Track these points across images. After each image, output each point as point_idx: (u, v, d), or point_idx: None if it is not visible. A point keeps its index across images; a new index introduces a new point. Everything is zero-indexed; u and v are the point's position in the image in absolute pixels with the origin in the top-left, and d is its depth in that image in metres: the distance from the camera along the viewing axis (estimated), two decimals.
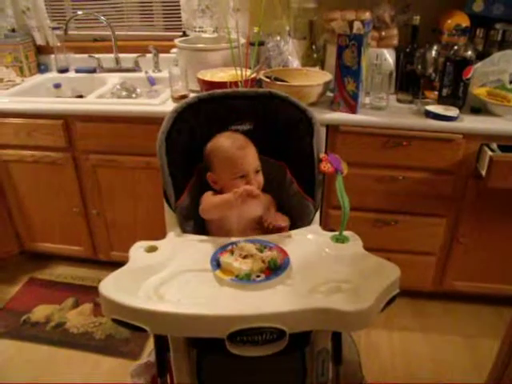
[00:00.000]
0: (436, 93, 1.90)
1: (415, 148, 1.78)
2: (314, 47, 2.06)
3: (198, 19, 2.13)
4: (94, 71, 2.31)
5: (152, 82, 2.20)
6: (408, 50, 1.84)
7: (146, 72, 2.23)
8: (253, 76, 1.83)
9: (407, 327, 2.03)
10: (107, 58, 2.34)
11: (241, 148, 1.23)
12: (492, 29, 1.91)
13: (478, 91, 1.82)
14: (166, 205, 1.29)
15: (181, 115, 1.28)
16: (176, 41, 2.01)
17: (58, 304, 2.13)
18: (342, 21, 1.77)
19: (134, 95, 2.11)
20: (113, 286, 0.99)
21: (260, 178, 1.25)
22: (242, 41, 2.02)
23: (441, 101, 1.82)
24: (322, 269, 1.09)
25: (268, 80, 1.80)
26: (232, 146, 1.23)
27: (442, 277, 2.06)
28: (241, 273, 1.04)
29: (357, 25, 1.62)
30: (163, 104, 1.89)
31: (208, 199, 1.24)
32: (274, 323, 0.92)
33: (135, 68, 2.30)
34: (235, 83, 1.75)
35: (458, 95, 1.78)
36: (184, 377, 1.19)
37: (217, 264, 1.08)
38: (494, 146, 1.73)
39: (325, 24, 1.97)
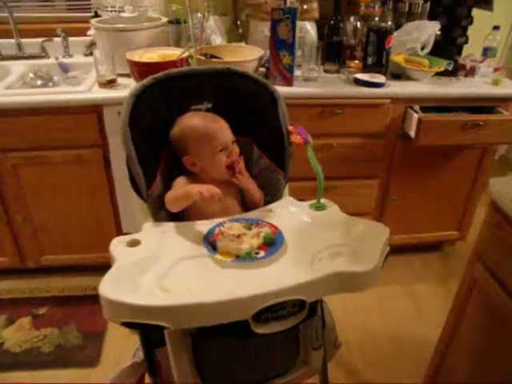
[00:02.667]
0: (357, 62, 2.02)
1: (348, 115, 1.87)
2: (238, 23, 2.04)
3: None
4: None
5: (65, 68, 2.01)
6: (332, 22, 1.92)
7: (57, 58, 2.02)
8: (185, 55, 1.76)
9: None
10: (6, 44, 2.08)
11: (213, 121, 1.21)
12: (400, 1, 2.05)
13: (397, 58, 1.96)
14: (135, 196, 1.22)
15: (139, 98, 1.20)
16: (93, 22, 1.85)
17: None
18: None
19: (50, 84, 1.92)
20: (115, 289, 0.92)
21: (236, 148, 1.24)
22: (164, 19, 1.94)
23: (366, 69, 1.93)
24: (313, 237, 1.11)
25: (203, 58, 1.75)
26: (204, 121, 1.20)
27: None
28: (241, 252, 1.03)
29: None
30: (90, 91, 1.74)
31: (170, 193, 1.18)
32: (297, 295, 0.93)
33: (42, 54, 2.08)
34: (184, 61, 1.68)
35: (381, 63, 1.90)
36: (185, 368, 1.15)
37: (213, 248, 1.05)
38: (417, 107, 1.89)
39: None
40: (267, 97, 1.29)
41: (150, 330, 1.05)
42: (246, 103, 1.30)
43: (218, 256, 1.03)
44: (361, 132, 1.93)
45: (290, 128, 1.27)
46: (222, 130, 1.20)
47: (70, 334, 1.85)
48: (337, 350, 1.53)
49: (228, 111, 1.29)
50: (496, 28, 2.01)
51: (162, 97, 1.24)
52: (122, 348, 1.76)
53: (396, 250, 2.28)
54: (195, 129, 1.19)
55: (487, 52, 2.05)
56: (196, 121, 1.21)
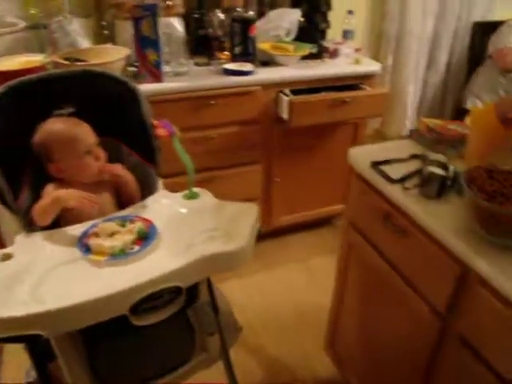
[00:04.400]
0: (226, 53, 2.07)
1: (222, 105, 1.93)
2: (104, 24, 2.00)
3: None
4: None
5: None
6: (197, 15, 1.95)
7: None
8: (46, 61, 1.70)
9: (254, 270, 2.23)
10: None
11: (75, 125, 1.19)
12: None
13: (263, 46, 2.05)
14: (2, 209, 1.17)
15: None
16: None
17: None
18: None
19: None
20: None
21: (101, 150, 1.23)
22: (22, 24, 1.85)
23: (235, 59, 1.99)
24: (188, 225, 1.15)
25: (67, 62, 1.70)
26: (66, 126, 1.18)
27: (268, 217, 2.31)
28: (115, 250, 1.03)
29: None
30: None
31: (36, 206, 1.13)
32: (171, 282, 0.96)
33: None
34: (41, 69, 1.62)
35: (248, 52, 1.98)
36: (80, 374, 1.13)
37: (86, 249, 1.05)
38: (287, 91, 1.99)
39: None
40: (128, 94, 1.29)
41: (30, 342, 1.02)
42: (108, 103, 1.29)
43: (91, 256, 1.02)
44: (236, 120, 2.00)
45: (154, 122, 1.28)
46: (85, 133, 1.19)
47: None
48: (238, 333, 1.58)
49: (92, 113, 1.27)
50: (350, 12, 2.17)
51: (19, 105, 1.20)
52: (21, 367, 1.68)
53: (291, 229, 2.44)
54: (59, 134, 1.17)
55: (347, 35, 2.21)
56: (58, 126, 1.18)
